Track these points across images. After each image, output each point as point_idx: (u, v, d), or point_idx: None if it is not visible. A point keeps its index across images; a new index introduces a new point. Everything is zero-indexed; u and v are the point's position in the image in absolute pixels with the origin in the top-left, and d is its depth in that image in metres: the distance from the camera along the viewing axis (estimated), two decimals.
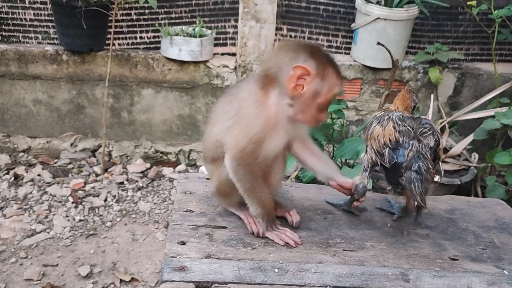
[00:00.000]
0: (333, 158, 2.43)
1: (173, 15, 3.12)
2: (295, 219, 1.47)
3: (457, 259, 1.40)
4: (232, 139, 1.34)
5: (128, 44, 3.14)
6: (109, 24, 2.91)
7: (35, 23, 3.06)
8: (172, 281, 1.22)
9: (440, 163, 1.49)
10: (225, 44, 3.19)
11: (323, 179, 1.50)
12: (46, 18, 3.05)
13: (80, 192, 2.86)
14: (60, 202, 2.77)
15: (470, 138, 2.90)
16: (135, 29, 3.12)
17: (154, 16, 3.10)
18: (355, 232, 1.49)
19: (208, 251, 1.33)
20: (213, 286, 1.23)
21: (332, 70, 1.32)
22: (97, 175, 3.05)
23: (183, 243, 1.35)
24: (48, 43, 3.09)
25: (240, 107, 1.35)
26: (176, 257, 1.30)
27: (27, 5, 3.02)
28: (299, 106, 1.32)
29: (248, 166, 1.34)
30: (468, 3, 2.81)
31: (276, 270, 1.28)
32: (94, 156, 3.22)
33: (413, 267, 1.35)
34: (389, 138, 1.40)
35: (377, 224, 1.54)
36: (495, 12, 2.75)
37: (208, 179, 1.65)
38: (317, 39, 3.22)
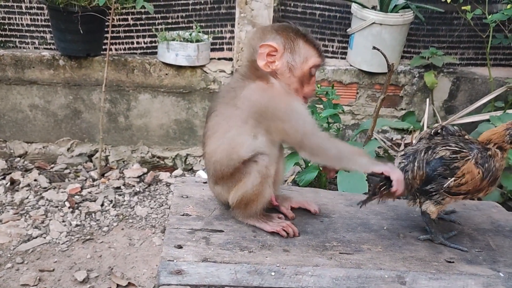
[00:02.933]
0: None
1: (169, 20, 3.13)
2: (315, 207, 1.57)
3: (453, 262, 1.41)
4: (292, 134, 1.34)
5: (125, 49, 3.15)
6: (106, 29, 2.92)
7: (32, 28, 3.07)
8: (169, 284, 1.23)
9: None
10: (221, 49, 3.21)
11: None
12: (43, 23, 3.06)
13: (76, 197, 2.86)
14: (57, 207, 2.77)
15: None
16: (132, 34, 3.13)
17: (151, 21, 3.11)
18: (351, 235, 1.49)
19: (205, 254, 1.33)
20: None
21: (302, 42, 1.37)
22: (93, 180, 3.04)
23: (180, 247, 1.35)
24: (44, 48, 3.10)
25: (251, 104, 1.34)
26: (173, 260, 1.30)
27: (24, 10, 3.03)
28: (283, 81, 1.37)
29: (315, 138, 1.35)
30: (463, 8, 2.83)
31: (272, 273, 1.29)
32: (91, 161, 3.22)
33: (409, 269, 1.35)
34: None
35: (373, 227, 1.54)
36: (490, 17, 2.77)
37: (204, 182, 1.66)
38: None
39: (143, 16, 3.09)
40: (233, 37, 3.14)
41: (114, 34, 3.05)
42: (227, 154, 1.38)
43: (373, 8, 3.03)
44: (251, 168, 1.37)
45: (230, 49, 3.19)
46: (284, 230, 1.44)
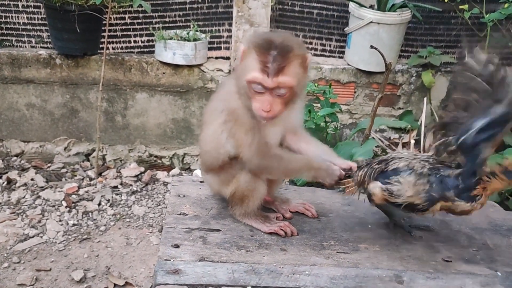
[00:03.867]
0: None
1: (167, 19, 3.12)
2: (313, 211, 1.55)
3: (451, 261, 1.41)
4: (237, 140, 1.34)
5: (122, 48, 3.14)
6: (103, 28, 2.91)
7: (29, 27, 3.06)
8: (166, 284, 1.22)
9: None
10: (219, 48, 3.20)
11: None
12: (40, 22, 3.05)
13: (73, 196, 2.85)
14: (54, 206, 2.76)
15: None
16: (129, 33, 3.12)
17: (148, 20, 3.10)
18: (349, 234, 1.49)
19: (202, 254, 1.33)
20: None
21: (255, 53, 1.25)
22: (91, 179, 3.03)
23: (177, 246, 1.35)
24: (41, 47, 3.09)
25: (225, 100, 1.37)
26: (170, 260, 1.29)
27: (21, 9, 3.02)
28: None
29: (266, 156, 1.33)
30: (460, 7, 2.83)
31: (270, 273, 1.28)
32: (88, 160, 3.21)
33: (407, 269, 1.35)
34: None
35: (370, 227, 1.54)
36: (487, 16, 2.77)
37: (201, 181, 1.65)
38: (311, 43, 3.23)
39: (140, 14, 3.08)
40: (230, 36, 3.14)
41: (111, 33, 3.04)
42: (214, 147, 1.40)
43: (371, 7, 3.03)
44: (241, 164, 1.38)
45: (227, 48, 3.19)
46: (282, 229, 1.44)
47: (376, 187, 1.37)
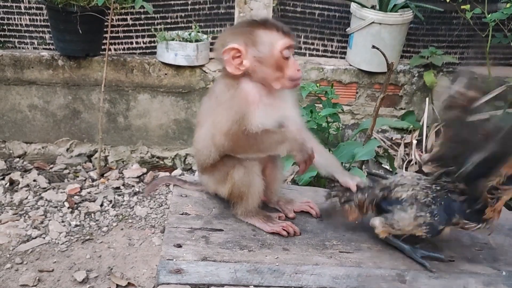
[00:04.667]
0: None
1: (169, 20, 3.13)
2: (317, 210, 1.54)
3: (453, 260, 1.40)
4: (216, 125, 1.34)
5: (124, 49, 3.14)
6: (105, 29, 2.91)
7: (31, 28, 3.07)
8: (168, 283, 1.22)
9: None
10: None
11: (325, 174, 1.51)
12: (42, 23, 3.06)
13: (76, 197, 2.85)
14: (56, 207, 2.76)
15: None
16: (131, 34, 3.13)
17: (150, 21, 3.11)
18: (351, 234, 1.49)
19: (204, 253, 1.33)
20: None
21: (262, 31, 1.31)
22: (93, 180, 3.04)
23: (179, 246, 1.35)
24: (43, 49, 3.09)
25: (216, 97, 1.38)
26: (173, 259, 1.29)
27: (23, 10, 3.03)
28: (260, 77, 1.33)
29: (238, 141, 1.32)
30: (462, 7, 2.83)
31: (272, 272, 1.28)
32: (90, 161, 3.21)
33: (410, 268, 1.35)
34: None
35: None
36: (489, 16, 2.77)
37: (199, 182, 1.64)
38: (313, 43, 3.23)
39: (142, 16, 3.09)
40: None
41: (113, 34, 3.05)
42: (206, 145, 1.41)
43: (373, 7, 3.03)
44: (232, 160, 1.38)
45: None
46: (284, 229, 1.44)
47: (376, 220, 1.40)
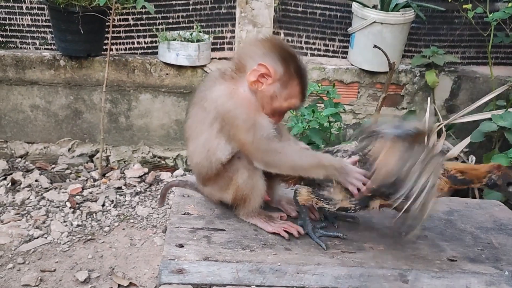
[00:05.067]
0: None
1: (170, 20, 3.13)
2: (316, 213, 1.53)
3: (456, 260, 1.40)
4: (239, 140, 1.33)
5: (125, 49, 3.14)
6: (107, 29, 2.91)
7: (33, 28, 3.07)
8: (170, 283, 1.22)
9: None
10: (222, 49, 3.20)
11: None
12: (44, 23, 3.06)
13: (77, 197, 2.86)
14: (58, 207, 2.76)
15: (467, 140, 2.90)
16: (132, 34, 3.13)
17: (151, 21, 3.11)
18: (353, 233, 1.49)
19: (206, 253, 1.33)
20: None
21: (296, 84, 1.35)
22: (94, 180, 3.04)
23: (181, 246, 1.35)
24: (45, 49, 3.10)
25: (216, 107, 1.34)
26: (174, 259, 1.29)
27: (25, 10, 3.03)
28: (258, 99, 1.35)
29: (268, 150, 1.33)
30: (464, 6, 2.83)
31: (274, 272, 1.28)
32: (92, 161, 3.22)
33: (412, 268, 1.35)
34: None
35: (375, 226, 1.54)
36: (491, 15, 2.77)
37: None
38: (314, 43, 3.23)
39: (144, 16, 3.09)
40: (233, 37, 3.14)
41: (115, 34, 3.05)
42: (205, 157, 1.39)
43: (374, 7, 3.03)
44: (236, 165, 1.38)
45: (230, 49, 3.19)
46: (286, 231, 1.43)
47: (303, 188, 1.40)
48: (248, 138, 1.31)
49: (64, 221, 2.66)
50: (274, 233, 1.44)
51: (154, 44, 3.13)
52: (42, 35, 3.09)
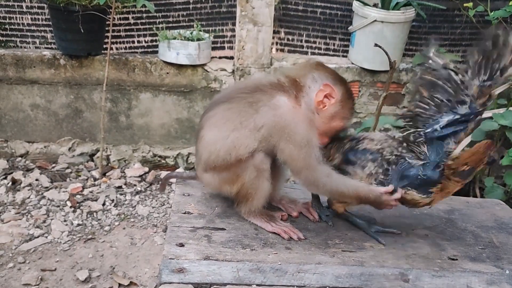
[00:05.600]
0: None
1: (170, 19, 3.12)
2: (315, 215, 1.55)
3: (456, 259, 1.40)
4: (296, 161, 1.36)
5: (125, 48, 3.14)
6: (107, 28, 2.91)
7: (33, 27, 3.07)
8: (171, 282, 1.22)
9: None
10: (222, 48, 3.20)
11: None
12: (44, 22, 3.06)
13: (78, 196, 2.86)
14: (58, 206, 2.76)
15: (468, 139, 2.88)
16: (132, 33, 3.12)
17: (151, 20, 3.10)
18: (354, 232, 1.49)
19: (206, 252, 1.32)
20: (212, 287, 1.22)
21: (351, 104, 1.45)
22: (95, 179, 3.04)
23: (182, 245, 1.35)
24: (45, 48, 3.09)
25: (274, 116, 1.35)
26: (175, 259, 1.29)
27: (25, 9, 3.03)
28: (316, 119, 1.40)
29: (315, 170, 1.37)
30: (465, 5, 2.82)
31: (275, 271, 1.28)
32: (92, 160, 3.22)
33: (412, 267, 1.35)
34: None
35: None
36: (492, 13, 2.76)
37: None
38: (315, 42, 3.22)
39: (144, 15, 3.08)
40: (234, 36, 3.13)
41: (115, 33, 3.05)
42: (227, 149, 1.38)
43: (375, 5, 3.02)
44: (247, 162, 1.38)
45: (231, 48, 3.19)
46: (285, 232, 1.44)
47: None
48: (301, 155, 1.35)
49: (65, 220, 2.66)
50: (274, 233, 1.44)
51: (154, 43, 3.12)
52: (42, 34, 3.08)
